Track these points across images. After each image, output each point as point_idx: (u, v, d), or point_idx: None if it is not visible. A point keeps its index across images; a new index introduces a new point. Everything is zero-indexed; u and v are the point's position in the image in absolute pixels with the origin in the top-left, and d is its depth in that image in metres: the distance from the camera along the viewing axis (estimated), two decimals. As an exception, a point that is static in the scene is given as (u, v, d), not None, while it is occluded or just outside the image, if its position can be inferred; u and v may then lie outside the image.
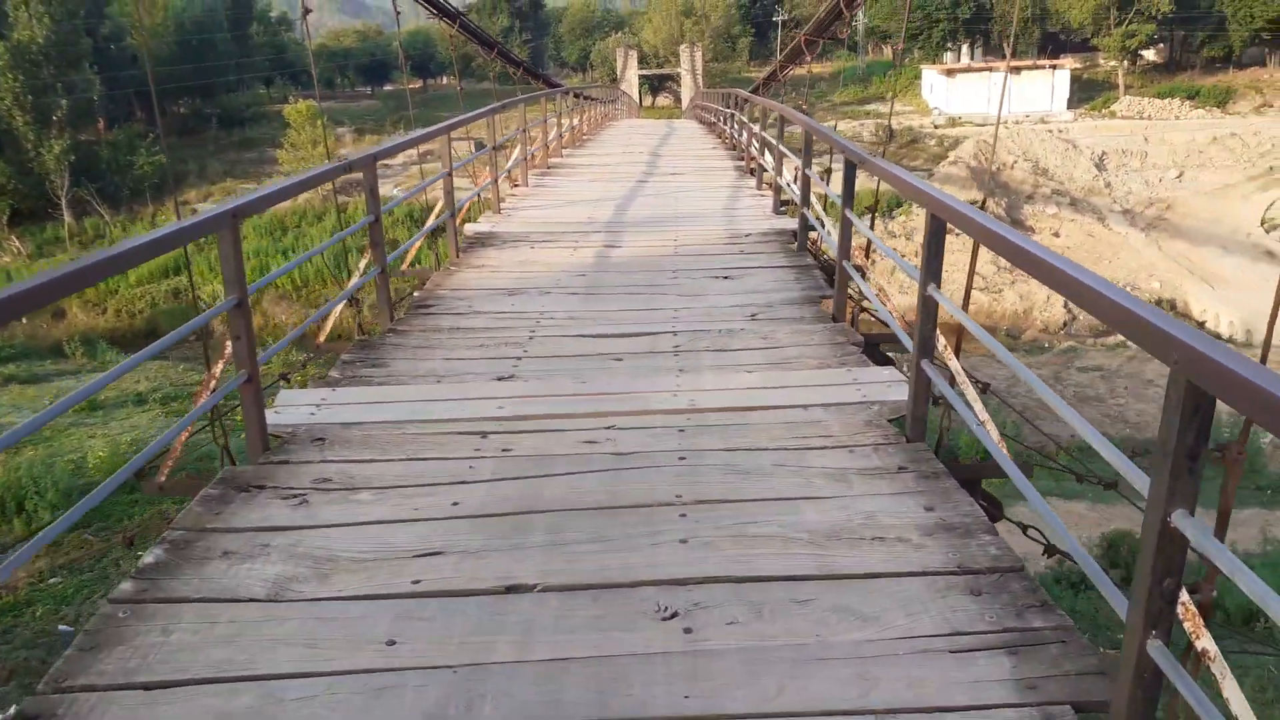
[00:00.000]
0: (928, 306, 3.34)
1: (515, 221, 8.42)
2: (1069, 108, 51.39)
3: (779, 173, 8.34)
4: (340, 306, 5.03)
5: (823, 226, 6.41)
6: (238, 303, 3.32)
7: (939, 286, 3.32)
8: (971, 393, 3.44)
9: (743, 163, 12.82)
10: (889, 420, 3.70)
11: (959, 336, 3.55)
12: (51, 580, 12.40)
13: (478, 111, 7.96)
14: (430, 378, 4.41)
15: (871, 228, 5.13)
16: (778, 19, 75.39)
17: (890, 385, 4.01)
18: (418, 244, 6.36)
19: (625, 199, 9.79)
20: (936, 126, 50.21)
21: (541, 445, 3.57)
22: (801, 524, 2.89)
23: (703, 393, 4.06)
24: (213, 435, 3.65)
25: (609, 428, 3.71)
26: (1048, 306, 32.93)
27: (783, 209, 8.45)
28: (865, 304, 5.23)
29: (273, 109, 56.37)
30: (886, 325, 4.99)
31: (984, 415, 3.38)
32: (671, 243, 7.34)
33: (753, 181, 10.73)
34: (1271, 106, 49.82)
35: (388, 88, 72.48)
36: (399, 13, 6.78)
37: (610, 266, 6.69)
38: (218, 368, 3.62)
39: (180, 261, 36.40)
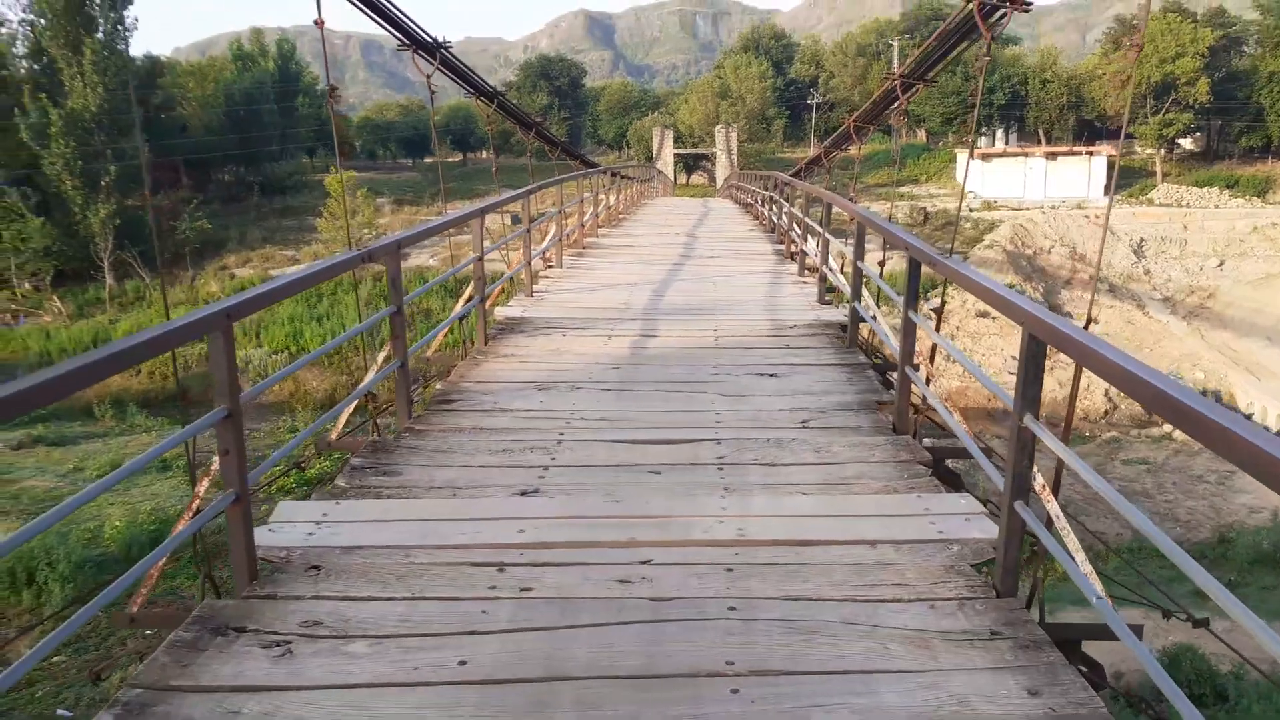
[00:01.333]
0: (1023, 439, 2.86)
1: (548, 305, 8.12)
2: (1105, 194, 51.12)
3: (823, 260, 7.93)
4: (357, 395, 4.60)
5: (875, 320, 5.98)
6: (228, 414, 2.93)
7: (1038, 416, 2.84)
8: (1073, 540, 2.93)
9: (782, 246, 12.50)
10: (972, 565, 3.19)
11: (1058, 473, 3.06)
12: (55, 659, 11.96)
13: (513, 194, 7.69)
14: (446, 490, 3.96)
15: (938, 329, 4.68)
16: (812, 101, 76.54)
17: (969, 519, 3.51)
18: (442, 334, 5.99)
19: (662, 283, 9.44)
20: (971, 210, 50.09)
21: (567, 584, 3.09)
22: (880, 709, 2.38)
23: (752, 519, 3.57)
24: (194, 554, 3.21)
25: (645, 562, 3.23)
26: (1088, 394, 32.09)
27: (828, 299, 8.05)
28: (928, 411, 4.76)
29: (314, 178, 57.55)
30: (949, 429, 4.50)
31: (1087, 566, 2.88)
32: (711, 333, 6.96)
33: (793, 267, 10.37)
34: (1312, 197, 49.27)
35: (428, 160, 73.97)
36: (433, 92, 6.52)
37: (646, 359, 6.31)
38: (202, 486, 3.19)
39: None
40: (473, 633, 2.77)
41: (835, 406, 5.07)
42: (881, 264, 6.58)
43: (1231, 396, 32.36)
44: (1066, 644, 2.85)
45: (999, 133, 62.42)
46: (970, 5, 4.94)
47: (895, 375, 4.76)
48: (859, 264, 6.04)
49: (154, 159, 49.05)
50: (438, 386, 5.43)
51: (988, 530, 3.41)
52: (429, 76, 6.33)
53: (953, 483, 4.23)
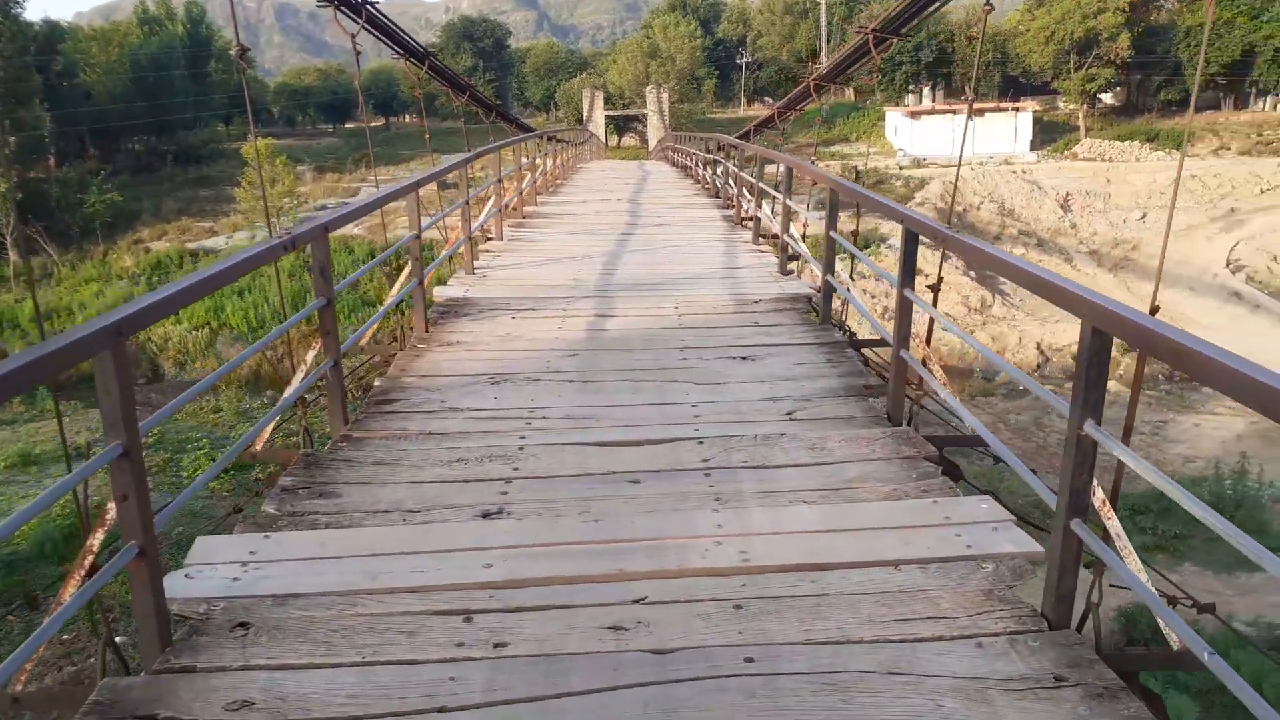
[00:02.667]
0: (1084, 450, 2.46)
1: (492, 284, 7.44)
2: (1032, 149, 51.87)
3: (784, 228, 7.48)
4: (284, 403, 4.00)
5: (849, 293, 5.56)
6: (124, 451, 2.35)
7: (1100, 421, 2.44)
8: (1135, 560, 2.55)
9: (730, 212, 12.04)
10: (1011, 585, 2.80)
11: (1117, 484, 2.67)
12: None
13: (451, 163, 6.98)
14: (395, 514, 3.40)
15: (935, 304, 4.27)
16: (741, 61, 75.97)
17: (997, 529, 3.11)
18: (375, 326, 5.31)
19: (612, 255, 8.89)
20: (901, 168, 50.39)
21: (550, 636, 2.59)
22: None
23: (754, 538, 3.12)
24: (92, 626, 2.63)
25: (639, 600, 2.76)
26: (1020, 349, 32.59)
27: (790, 269, 7.60)
28: (920, 394, 4.35)
29: (230, 147, 55.16)
30: (952, 423, 4.13)
31: (1152, 588, 2.50)
32: (673, 310, 6.46)
33: (746, 235, 9.90)
34: (1229, 149, 50.60)
35: (349, 125, 71.58)
36: (359, 52, 5.82)
37: (608, 342, 5.76)
38: (97, 537, 2.60)
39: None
40: (442, 709, 2.27)
41: (821, 393, 4.64)
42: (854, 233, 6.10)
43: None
44: (1127, 676, 2.47)
45: (925, 90, 62.69)
46: None
47: (890, 360, 4.29)
48: (832, 234, 5.60)
49: (56, 129, 46.43)
50: (376, 383, 4.81)
51: (1021, 543, 3.02)
52: (354, 36, 5.64)
53: (952, 474, 3.85)
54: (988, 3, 4.75)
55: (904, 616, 2.64)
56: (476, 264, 8.03)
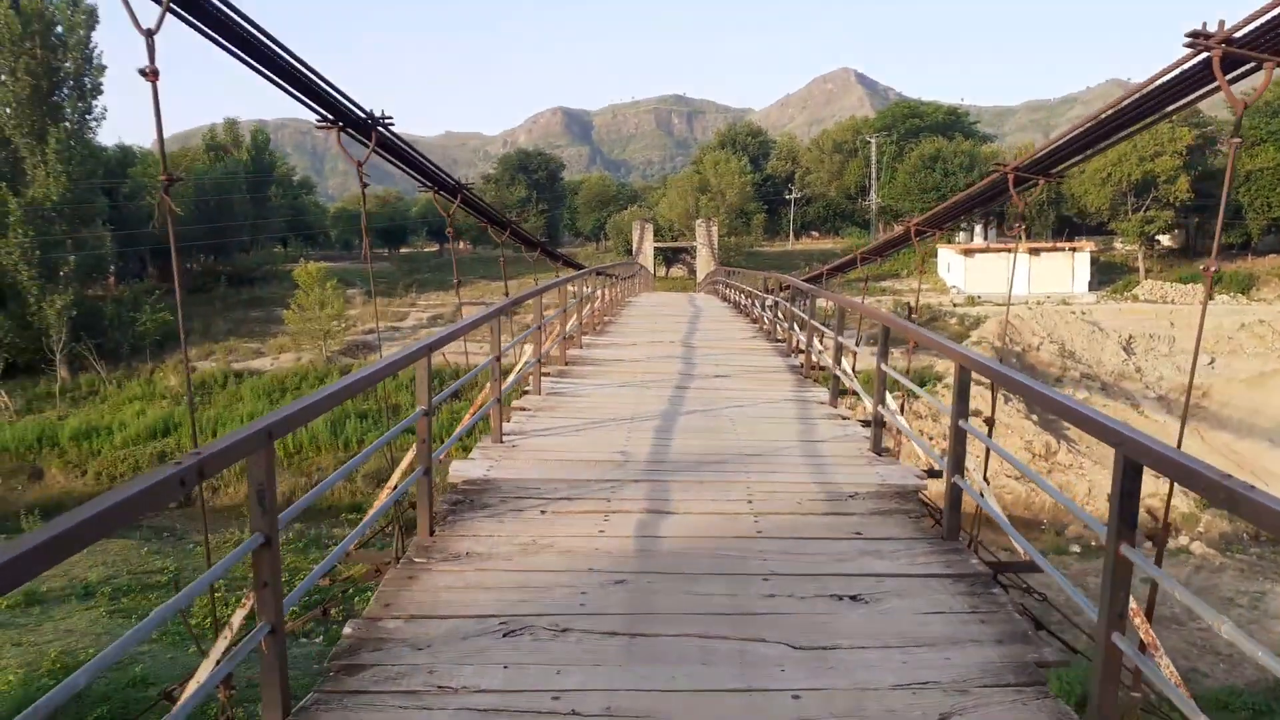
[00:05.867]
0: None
1: (522, 457, 6.19)
2: (1090, 290, 50.78)
3: (879, 399, 6.19)
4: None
5: (988, 502, 4.27)
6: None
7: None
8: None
9: (796, 360, 10.92)
10: None
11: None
12: None
13: (478, 317, 5.76)
14: None
15: (990, 435, 3.08)
16: (789, 196, 76.82)
17: None
18: (360, 541, 4.11)
19: (666, 416, 7.68)
20: (955, 305, 49.55)
21: None
22: None
23: None
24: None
25: None
26: (1089, 500, 30.64)
27: (885, 446, 6.32)
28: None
29: (284, 269, 56.17)
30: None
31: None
32: (746, 506, 5.16)
33: (820, 392, 8.67)
34: (1297, 293, 49.12)
35: (404, 250, 73.12)
36: (366, 184, 4.86)
37: (665, 560, 4.39)
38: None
39: (170, 421, 34.84)
40: None
41: (980, 676, 3.28)
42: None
43: (1241, 503, 31.02)
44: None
45: (978, 228, 62.38)
46: (1186, 64, 3.41)
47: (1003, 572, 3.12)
48: (962, 424, 4.33)
49: (118, 249, 47.61)
50: (345, 630, 3.51)
51: None
52: (360, 164, 4.69)
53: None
54: (1236, 134, 3.71)
55: None
56: (508, 427, 6.87)
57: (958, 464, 4.42)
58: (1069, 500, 3.49)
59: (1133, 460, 2.69)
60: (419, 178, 6.07)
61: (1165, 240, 57.73)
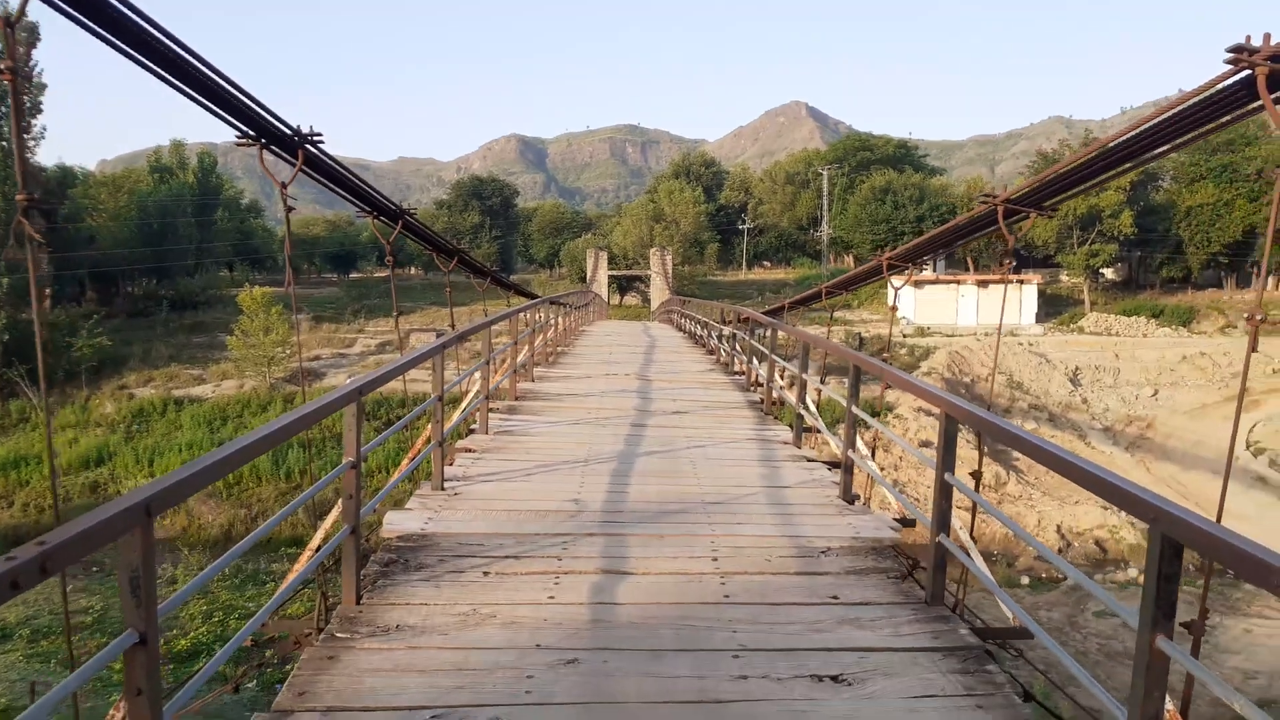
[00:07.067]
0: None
1: (464, 507, 5.60)
2: (1037, 322, 51.59)
3: (850, 443, 5.80)
4: None
5: (978, 568, 3.93)
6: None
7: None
8: None
9: (755, 395, 10.60)
10: None
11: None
12: None
13: (420, 352, 5.27)
14: None
15: (977, 489, 2.73)
16: (743, 226, 77.31)
17: None
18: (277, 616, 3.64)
19: (623, 458, 7.21)
20: (905, 336, 50.00)
21: None
22: None
23: None
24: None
25: None
26: (1039, 531, 30.80)
27: (854, 494, 5.96)
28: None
29: (230, 293, 54.88)
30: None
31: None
32: (711, 566, 4.70)
33: (781, 430, 8.32)
34: (1235, 327, 50.35)
35: (353, 275, 71.96)
36: (291, 209, 4.42)
37: (623, 633, 3.88)
38: None
39: (104, 451, 33.48)
40: None
41: None
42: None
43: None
44: None
45: (927, 260, 63.22)
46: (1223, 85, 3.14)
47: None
48: (948, 477, 3.95)
49: (56, 272, 46.02)
50: None
51: None
52: (284, 186, 4.22)
53: None
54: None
55: None
56: (450, 470, 6.34)
57: (943, 522, 4.01)
58: (1094, 584, 3.02)
59: (1172, 539, 2.35)
60: (355, 201, 5.57)
61: (1109, 273, 59.02)
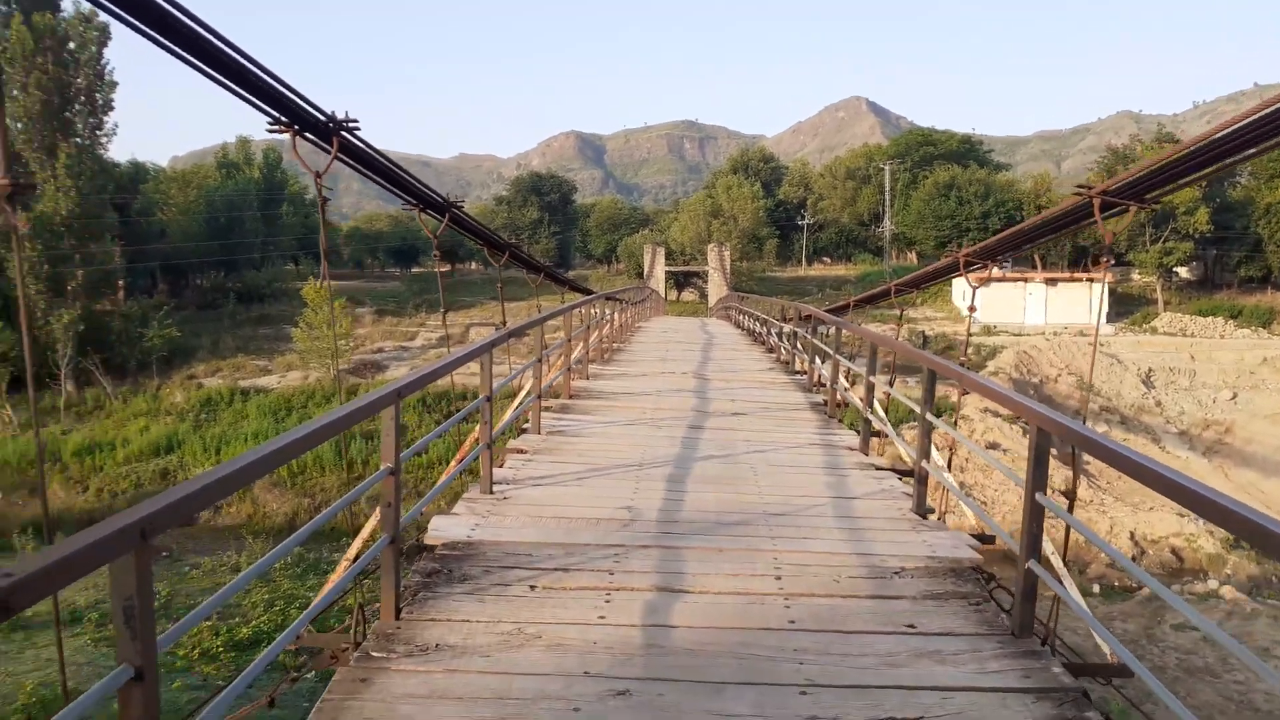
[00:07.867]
0: None
1: (513, 514, 5.34)
2: (1108, 321, 49.96)
3: (923, 453, 5.39)
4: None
5: (1070, 594, 3.59)
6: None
7: None
8: None
9: (818, 397, 10.28)
10: None
11: None
12: None
13: (466, 351, 5.00)
14: None
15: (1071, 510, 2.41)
16: (802, 222, 76.36)
17: None
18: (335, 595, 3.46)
19: (679, 462, 6.88)
20: (971, 334, 48.75)
21: None
22: None
23: None
24: None
25: None
26: (1111, 538, 29.74)
27: (929, 506, 5.58)
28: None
29: (295, 286, 55.95)
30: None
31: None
32: (775, 586, 4.34)
33: (846, 435, 7.97)
34: (1319, 329, 48.20)
35: (415, 270, 72.86)
36: (327, 199, 4.26)
37: (678, 661, 3.53)
38: None
39: (174, 438, 34.31)
40: None
41: None
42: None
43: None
44: None
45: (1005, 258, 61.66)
46: None
47: None
48: (1038, 496, 3.56)
49: (129, 264, 47.38)
50: None
51: None
52: (319, 175, 4.04)
53: None
54: None
55: None
56: (499, 473, 6.06)
57: (1034, 546, 3.62)
58: (1210, 624, 2.68)
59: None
60: (397, 192, 5.37)
61: (1183, 272, 56.93)
